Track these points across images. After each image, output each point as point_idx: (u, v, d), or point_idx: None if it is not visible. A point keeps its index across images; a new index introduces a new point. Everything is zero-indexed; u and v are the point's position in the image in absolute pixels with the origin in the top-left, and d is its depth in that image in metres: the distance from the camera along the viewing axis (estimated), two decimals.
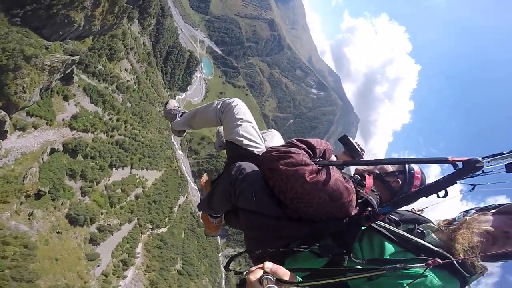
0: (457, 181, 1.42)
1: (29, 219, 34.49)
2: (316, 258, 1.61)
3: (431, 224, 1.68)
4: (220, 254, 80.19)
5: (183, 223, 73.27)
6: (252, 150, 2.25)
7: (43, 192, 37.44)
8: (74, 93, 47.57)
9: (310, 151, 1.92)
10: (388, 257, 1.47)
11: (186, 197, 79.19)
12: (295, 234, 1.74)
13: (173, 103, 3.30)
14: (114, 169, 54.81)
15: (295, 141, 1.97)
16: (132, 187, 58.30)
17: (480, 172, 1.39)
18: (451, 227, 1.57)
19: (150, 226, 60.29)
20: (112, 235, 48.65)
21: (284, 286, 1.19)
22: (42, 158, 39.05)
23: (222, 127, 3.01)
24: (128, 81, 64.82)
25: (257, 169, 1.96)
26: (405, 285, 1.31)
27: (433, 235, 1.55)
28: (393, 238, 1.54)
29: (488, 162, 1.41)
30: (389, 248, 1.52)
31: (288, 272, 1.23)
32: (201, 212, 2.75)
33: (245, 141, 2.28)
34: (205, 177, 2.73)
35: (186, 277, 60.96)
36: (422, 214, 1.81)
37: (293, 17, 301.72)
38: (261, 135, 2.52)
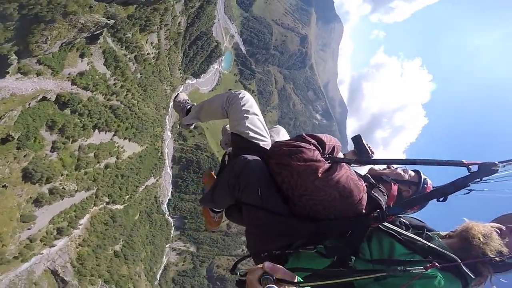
0: (470, 184, 1.52)
1: None
2: (321, 258, 1.64)
3: (439, 232, 1.76)
4: (167, 245, 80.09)
5: (143, 205, 72.35)
6: (258, 144, 2.22)
7: (11, 137, 35.09)
8: (92, 52, 47.85)
9: (319, 147, 1.93)
10: (398, 258, 1.52)
11: (157, 180, 78.34)
12: (301, 233, 1.73)
13: (183, 96, 3.33)
14: (96, 130, 53.35)
15: (305, 135, 1.97)
16: (106, 154, 56.39)
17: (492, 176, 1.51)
18: (457, 230, 1.65)
19: (107, 200, 58.40)
20: (62, 200, 46.16)
21: (284, 286, 1.21)
22: (29, 103, 37.73)
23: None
24: (148, 54, 65.28)
25: (263, 163, 1.92)
26: (416, 285, 1.36)
27: (440, 240, 1.61)
28: (402, 240, 1.59)
29: (504, 166, 1.50)
30: (399, 249, 1.57)
31: (288, 272, 1.25)
32: (202, 206, 2.72)
33: (251, 134, 2.23)
34: (207, 172, 2.79)
35: (121, 260, 59.67)
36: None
37: (327, 39, 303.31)
38: (268, 130, 2.50)
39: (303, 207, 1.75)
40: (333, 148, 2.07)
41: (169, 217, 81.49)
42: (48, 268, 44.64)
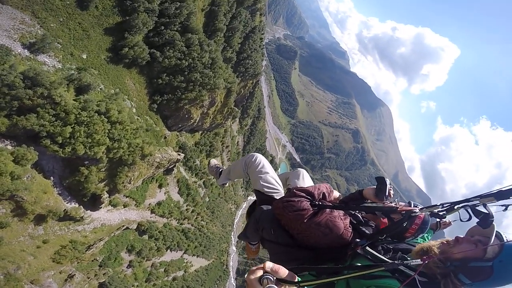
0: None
1: (65, 280, 35.47)
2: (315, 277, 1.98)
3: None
4: None
5: None
6: (272, 196, 3.22)
7: (96, 260, 41.88)
8: (168, 182, 58.07)
9: (309, 197, 2.71)
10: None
11: None
12: (303, 258, 2.45)
13: (214, 162, 4.64)
14: (169, 250, 60.16)
15: (295, 191, 2.77)
16: (175, 269, 62.09)
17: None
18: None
19: None
20: None
21: (284, 286, 1.28)
22: (115, 233, 45.03)
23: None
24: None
25: None
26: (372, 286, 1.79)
27: (412, 261, 1.81)
28: (372, 259, 2.03)
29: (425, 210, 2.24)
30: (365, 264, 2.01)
31: (288, 272, 1.36)
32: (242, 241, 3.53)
33: (266, 190, 3.27)
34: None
35: None
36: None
37: (379, 127, 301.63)
38: (289, 177, 3.58)
39: (301, 240, 2.61)
40: (323, 194, 2.88)
41: None
42: None
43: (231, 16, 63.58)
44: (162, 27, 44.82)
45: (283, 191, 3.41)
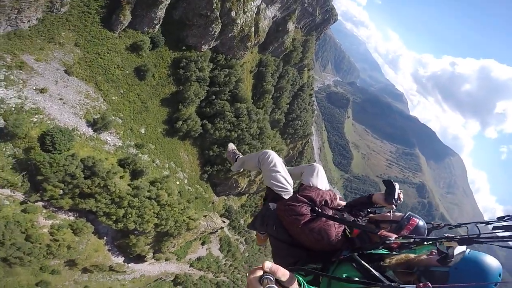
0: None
1: None
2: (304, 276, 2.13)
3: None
4: None
5: None
6: (281, 194, 3.52)
7: None
8: (211, 240, 57.95)
9: (310, 203, 3.01)
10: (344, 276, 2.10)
11: None
12: (298, 256, 2.79)
13: (231, 146, 5.19)
14: None
15: (298, 196, 3.12)
16: None
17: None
18: None
19: None
20: None
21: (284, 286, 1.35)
22: (150, 284, 45.58)
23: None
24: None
25: None
26: None
27: (407, 285, 1.85)
28: (357, 267, 2.17)
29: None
30: (353, 272, 2.15)
31: (287, 273, 1.41)
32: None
33: (275, 188, 3.56)
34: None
35: None
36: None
37: (449, 178, 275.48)
38: (304, 172, 3.83)
39: (297, 241, 2.91)
40: (325, 201, 3.12)
41: None
42: None
43: (279, 75, 66.48)
44: (213, 97, 48.31)
45: (292, 190, 3.62)
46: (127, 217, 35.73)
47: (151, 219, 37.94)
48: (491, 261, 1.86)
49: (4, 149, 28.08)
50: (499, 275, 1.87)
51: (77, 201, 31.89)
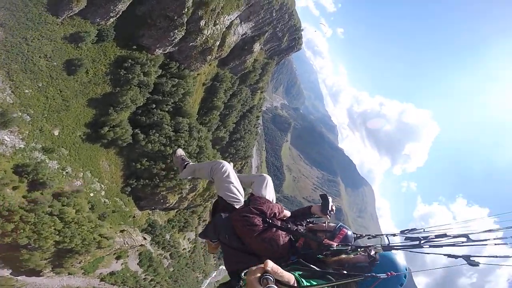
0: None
1: None
2: None
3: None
4: None
5: None
6: (233, 205, 3.63)
7: None
8: (128, 255, 50.34)
9: (262, 214, 3.24)
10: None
11: None
12: (250, 262, 2.57)
13: (180, 152, 5.03)
14: None
15: (251, 207, 3.31)
16: None
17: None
18: None
19: None
20: None
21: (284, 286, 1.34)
22: None
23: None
24: (184, 249, 68.00)
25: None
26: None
27: (330, 269, 2.48)
28: (303, 268, 2.39)
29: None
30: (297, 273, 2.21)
31: (287, 273, 1.42)
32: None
33: (228, 198, 3.65)
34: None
35: None
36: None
37: (361, 204, 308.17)
38: (254, 182, 4.06)
39: (250, 248, 3.12)
40: (275, 213, 3.40)
41: None
42: None
43: (232, 93, 64.19)
44: (153, 105, 43.08)
45: (243, 200, 3.73)
46: (18, 232, 28.20)
47: (51, 236, 30.94)
48: (399, 258, 2.52)
49: None
50: (406, 269, 2.45)
51: None
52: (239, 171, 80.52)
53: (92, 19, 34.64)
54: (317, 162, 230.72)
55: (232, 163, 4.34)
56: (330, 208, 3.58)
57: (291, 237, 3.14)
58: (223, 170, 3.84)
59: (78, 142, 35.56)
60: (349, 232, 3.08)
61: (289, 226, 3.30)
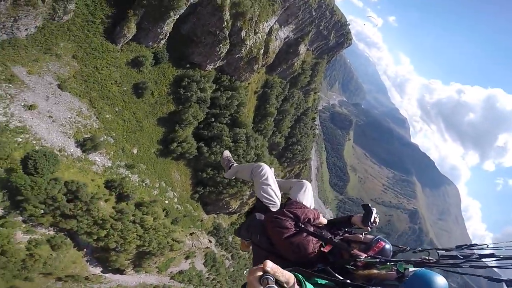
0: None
1: None
2: None
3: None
4: None
5: None
6: (269, 207, 3.77)
7: None
8: (196, 255, 55.00)
9: (295, 218, 3.22)
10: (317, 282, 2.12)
11: None
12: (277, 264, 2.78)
13: (226, 153, 5.35)
14: None
15: (285, 211, 3.32)
16: None
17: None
18: None
19: None
20: None
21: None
22: None
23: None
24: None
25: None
26: None
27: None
28: (325, 276, 2.25)
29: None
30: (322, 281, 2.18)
31: (287, 272, 1.41)
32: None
33: (265, 200, 3.82)
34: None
35: None
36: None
37: (443, 206, 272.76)
38: (292, 187, 4.09)
39: (278, 250, 3.17)
40: (309, 219, 3.32)
41: None
42: None
43: (283, 98, 64.12)
44: (213, 119, 46.09)
45: (279, 204, 3.88)
46: (109, 237, 33.76)
47: (134, 240, 36.02)
48: (437, 279, 2.00)
49: None
50: None
51: (58, 219, 29.89)
52: (297, 175, 79.91)
53: (145, 43, 37.76)
54: (386, 160, 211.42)
55: (273, 168, 4.49)
56: (372, 220, 3.41)
57: (323, 244, 3.07)
58: (262, 172, 4.02)
59: (153, 157, 40.47)
60: (387, 246, 2.89)
61: (322, 233, 3.22)
